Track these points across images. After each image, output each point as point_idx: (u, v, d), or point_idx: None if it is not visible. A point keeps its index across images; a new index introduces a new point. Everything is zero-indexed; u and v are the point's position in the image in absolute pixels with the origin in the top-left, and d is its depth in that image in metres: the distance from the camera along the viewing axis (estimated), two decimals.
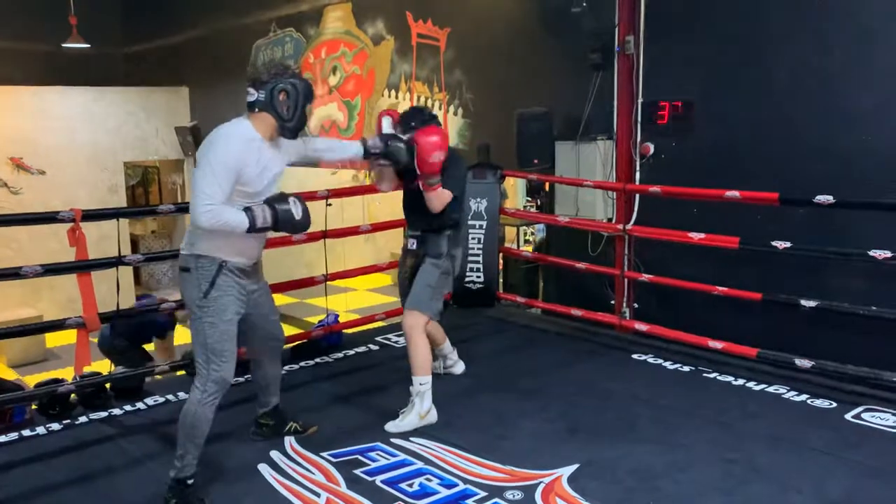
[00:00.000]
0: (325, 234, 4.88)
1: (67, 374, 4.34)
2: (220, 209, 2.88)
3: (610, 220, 5.42)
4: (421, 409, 3.66)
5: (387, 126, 3.78)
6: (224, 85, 10.03)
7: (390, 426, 3.61)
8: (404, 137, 3.64)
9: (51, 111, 10.11)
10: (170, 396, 4.18)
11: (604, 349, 4.92)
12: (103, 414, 3.97)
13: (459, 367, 4.46)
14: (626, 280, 5.29)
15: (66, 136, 9.99)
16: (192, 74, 10.92)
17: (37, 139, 9.85)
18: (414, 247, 3.92)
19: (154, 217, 11.83)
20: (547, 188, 6.35)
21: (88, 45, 9.46)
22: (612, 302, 5.44)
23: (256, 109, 3.04)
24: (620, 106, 5.33)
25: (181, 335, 5.30)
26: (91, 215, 4.05)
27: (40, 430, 3.76)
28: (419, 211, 3.84)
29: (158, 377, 4.39)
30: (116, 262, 4.02)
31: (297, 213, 3.10)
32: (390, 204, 10.53)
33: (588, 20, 5.44)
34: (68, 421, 3.87)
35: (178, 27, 10.47)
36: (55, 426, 3.81)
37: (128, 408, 4.03)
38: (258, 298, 3.28)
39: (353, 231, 5.59)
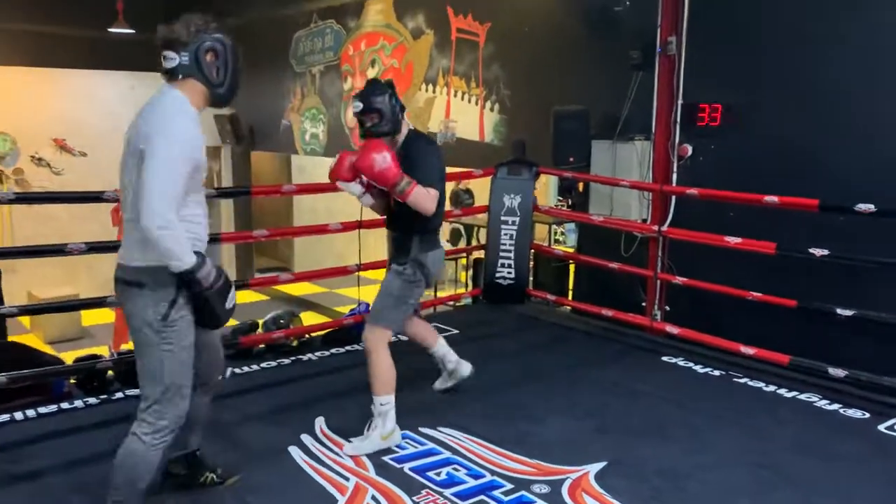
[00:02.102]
0: (360, 224, 4.92)
1: (102, 351, 4.44)
2: (178, 233, 2.37)
3: (644, 220, 5.39)
4: (383, 429, 3.34)
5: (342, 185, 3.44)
6: (264, 74, 10.14)
7: (349, 448, 3.31)
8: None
9: (94, 94, 10.32)
10: None
11: (633, 350, 4.91)
12: (138, 391, 4.04)
13: (465, 368, 4.03)
14: (658, 282, 5.27)
15: (107, 119, 10.17)
16: None
17: (80, 121, 10.06)
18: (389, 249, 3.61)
19: None
20: (580, 188, 6.35)
21: (133, 31, 9.63)
22: (643, 303, 5.42)
23: (180, 76, 2.52)
24: (660, 106, 5.30)
25: None
26: None
27: (78, 403, 3.86)
28: (397, 210, 3.49)
29: None
30: None
31: (229, 302, 2.60)
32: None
33: (630, 19, 5.43)
34: (105, 396, 3.97)
35: (220, 15, 10.55)
36: (92, 400, 3.91)
37: None
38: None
39: (383, 223, 5.63)
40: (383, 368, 3.38)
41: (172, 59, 2.52)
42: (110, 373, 4.14)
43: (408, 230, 3.45)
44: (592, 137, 5.70)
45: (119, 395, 4.00)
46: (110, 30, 9.54)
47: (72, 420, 3.67)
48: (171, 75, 2.54)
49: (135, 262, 2.48)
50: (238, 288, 5.71)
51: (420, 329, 3.94)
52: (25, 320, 8.48)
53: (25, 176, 9.68)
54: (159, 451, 2.54)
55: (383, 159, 3.19)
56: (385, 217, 3.60)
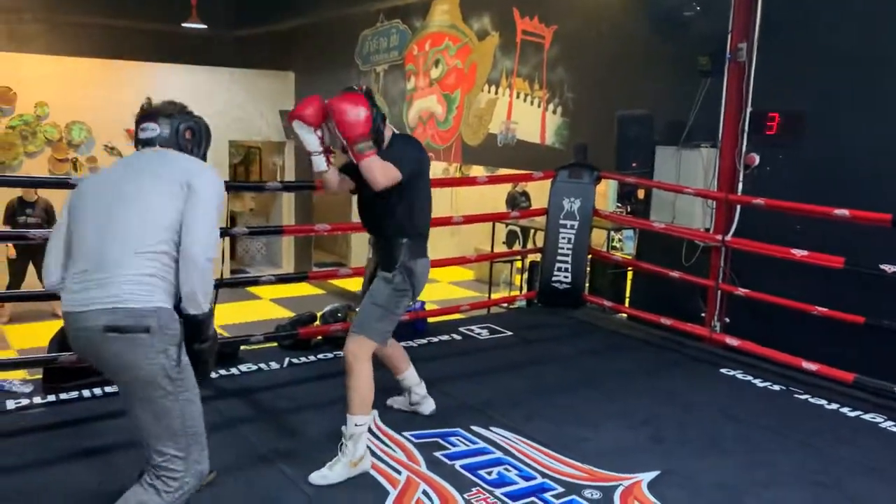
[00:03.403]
0: None
1: None
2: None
3: (707, 230, 5.30)
4: (353, 454, 3.02)
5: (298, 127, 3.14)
6: (329, 72, 10.31)
7: (315, 477, 2.98)
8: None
9: (165, 87, 10.60)
10: (262, 365, 4.37)
11: (691, 361, 4.83)
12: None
13: (428, 406, 3.69)
14: (719, 292, 5.18)
15: None
16: (299, 60, 11.25)
17: None
18: (370, 255, 3.38)
19: (253, 195, 12.29)
20: (641, 195, 6.27)
21: (205, 26, 9.89)
22: (703, 314, 5.33)
23: (158, 146, 2.51)
24: (727, 114, 5.20)
25: None
26: None
27: None
28: (370, 211, 3.30)
29: (253, 347, 4.59)
30: (223, 233, 4.20)
31: (213, 353, 2.52)
32: (478, 196, 10.61)
33: (700, 25, 5.34)
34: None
35: (289, 13, 10.80)
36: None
37: (223, 372, 4.22)
38: None
39: (447, 221, 5.66)
40: (363, 385, 3.08)
41: (153, 129, 2.52)
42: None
43: (394, 233, 3.20)
44: (656, 143, 5.63)
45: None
46: (184, 24, 9.82)
47: None
48: (146, 144, 2.53)
49: (135, 302, 2.21)
50: (298, 280, 5.84)
51: (392, 350, 3.56)
52: None
53: (99, 165, 10.03)
54: None
55: (359, 111, 2.97)
56: (364, 221, 3.38)
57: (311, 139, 3.10)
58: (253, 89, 11.13)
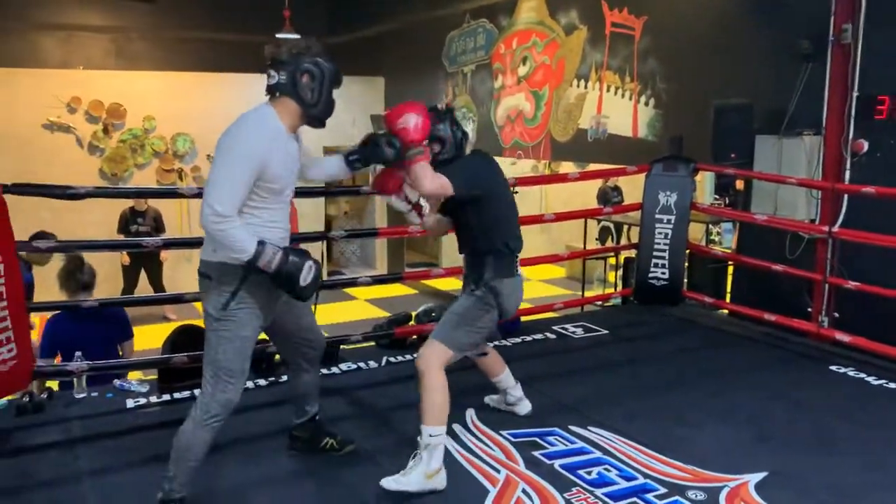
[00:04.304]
0: None
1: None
2: (232, 225, 2.54)
3: (812, 221, 5.07)
4: (428, 467, 2.91)
5: (384, 197, 3.36)
6: (417, 75, 10.43)
7: (388, 482, 2.88)
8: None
9: (261, 97, 11.01)
10: (361, 364, 4.48)
11: (798, 358, 4.64)
12: None
13: (524, 407, 3.68)
14: (827, 286, 4.94)
15: None
16: (388, 64, 11.44)
17: None
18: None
19: (348, 199, 12.60)
20: (740, 185, 6.06)
21: (298, 36, 10.20)
22: (809, 308, 5.10)
23: (277, 94, 2.69)
24: (832, 99, 4.97)
25: None
26: (302, 192, 4.41)
27: (249, 384, 4.14)
28: (458, 229, 3.30)
29: (352, 346, 4.71)
30: (321, 236, 4.36)
31: (305, 279, 2.68)
32: (568, 191, 10.50)
33: (799, 7, 5.12)
34: (273, 378, 4.24)
35: (377, 19, 11.00)
36: (262, 382, 4.20)
37: (324, 371, 4.34)
38: (288, 301, 2.87)
39: (538, 219, 5.65)
40: (437, 393, 2.97)
41: (273, 77, 2.68)
42: (277, 357, 4.42)
43: (477, 250, 3.17)
44: (756, 132, 5.42)
45: (285, 378, 4.26)
46: (277, 35, 10.14)
47: (242, 399, 3.94)
48: (270, 92, 2.70)
49: (205, 256, 2.70)
50: (392, 281, 5.92)
51: (488, 356, 3.60)
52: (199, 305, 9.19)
53: (202, 173, 10.49)
54: (208, 431, 2.69)
55: (408, 119, 2.93)
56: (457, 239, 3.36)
57: (398, 204, 3.26)
58: (344, 95, 11.23)
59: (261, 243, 2.59)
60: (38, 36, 10.76)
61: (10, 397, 3.77)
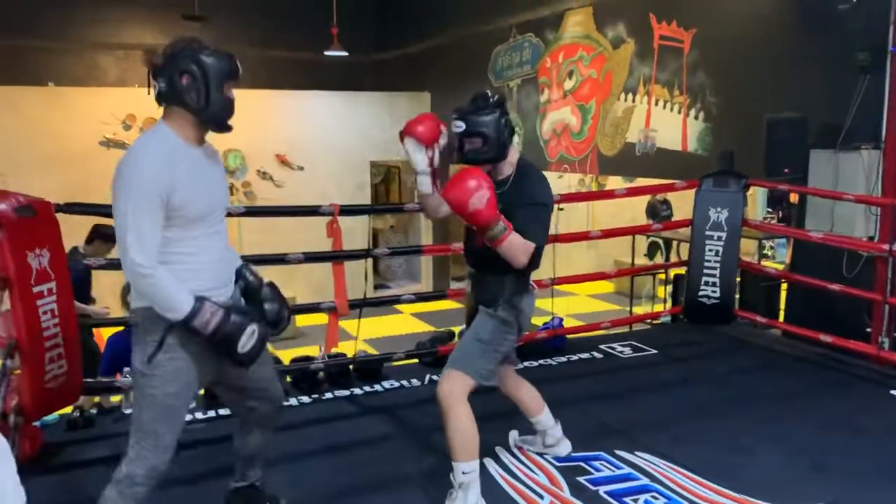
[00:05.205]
0: (555, 238, 4.91)
1: (312, 352, 4.75)
2: (160, 280, 2.21)
3: (871, 238, 4.89)
4: (465, 503, 2.81)
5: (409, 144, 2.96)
6: (463, 91, 10.39)
7: None
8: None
9: (309, 113, 11.16)
10: (404, 382, 4.46)
11: (856, 381, 4.47)
12: (346, 392, 4.32)
13: (564, 448, 3.42)
14: (887, 306, 4.75)
15: (321, 135, 10.95)
16: (434, 80, 11.48)
17: (297, 138, 10.92)
18: (469, 288, 3.09)
19: (394, 214, 12.69)
20: (794, 198, 5.88)
21: (346, 53, 10.32)
22: (869, 330, 4.91)
23: (164, 105, 2.31)
24: (891, 112, 4.80)
25: None
26: (347, 210, 4.42)
27: (293, 401, 4.16)
28: (471, 241, 2.99)
29: (396, 363, 4.69)
30: (366, 254, 4.36)
31: (244, 345, 2.34)
32: (615, 205, 10.36)
33: (856, 18, 4.97)
34: (316, 395, 4.25)
35: (424, 35, 11.07)
36: (305, 399, 4.21)
37: (367, 388, 4.35)
38: None
39: (583, 236, 5.58)
40: (465, 427, 2.81)
41: (155, 87, 2.30)
42: (321, 374, 4.44)
43: (500, 270, 2.84)
44: (810, 147, 5.27)
45: (328, 395, 4.28)
46: (326, 53, 10.28)
47: (286, 417, 3.96)
48: (159, 104, 2.32)
49: (133, 301, 2.37)
50: (435, 298, 5.93)
51: (524, 391, 3.32)
52: None
53: (252, 189, 10.66)
54: (131, 501, 2.35)
55: (481, 196, 2.60)
56: (468, 254, 3.08)
57: (419, 158, 2.90)
58: (391, 111, 11.47)
59: (199, 300, 2.26)
60: (96, 55, 11.13)
61: (61, 412, 3.85)
